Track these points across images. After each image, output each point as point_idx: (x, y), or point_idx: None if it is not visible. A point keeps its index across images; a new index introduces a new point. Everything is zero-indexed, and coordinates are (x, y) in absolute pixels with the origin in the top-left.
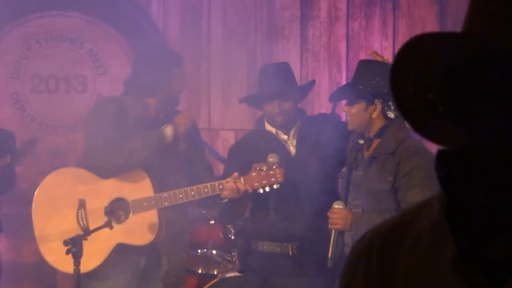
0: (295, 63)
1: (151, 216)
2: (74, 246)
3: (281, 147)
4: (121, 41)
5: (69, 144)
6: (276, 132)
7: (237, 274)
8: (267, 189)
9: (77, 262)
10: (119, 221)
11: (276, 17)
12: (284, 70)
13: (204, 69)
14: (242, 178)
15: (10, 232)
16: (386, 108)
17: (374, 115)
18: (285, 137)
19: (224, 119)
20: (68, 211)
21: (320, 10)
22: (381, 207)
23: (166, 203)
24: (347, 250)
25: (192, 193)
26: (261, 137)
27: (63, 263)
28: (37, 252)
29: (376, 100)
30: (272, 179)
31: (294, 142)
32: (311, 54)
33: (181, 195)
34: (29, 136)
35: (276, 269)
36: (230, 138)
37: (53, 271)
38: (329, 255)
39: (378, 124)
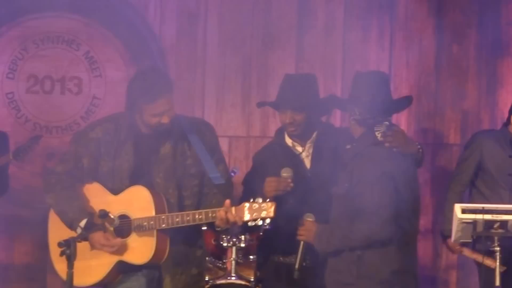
0: (290, 72)
1: (150, 236)
2: (68, 248)
3: (296, 160)
4: (118, 44)
5: (63, 146)
6: (293, 144)
7: (228, 281)
8: (259, 222)
9: (70, 265)
10: (112, 225)
11: (272, 26)
12: (305, 82)
13: (199, 75)
14: (233, 208)
15: (1, 233)
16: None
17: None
18: (301, 149)
19: (218, 126)
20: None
21: (317, 20)
22: None
23: (164, 225)
24: None
25: (188, 218)
26: (279, 149)
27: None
28: (28, 253)
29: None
30: (263, 213)
31: (310, 155)
32: (307, 64)
33: (177, 219)
34: (22, 136)
35: (291, 280)
36: (223, 145)
37: (44, 272)
38: (296, 267)
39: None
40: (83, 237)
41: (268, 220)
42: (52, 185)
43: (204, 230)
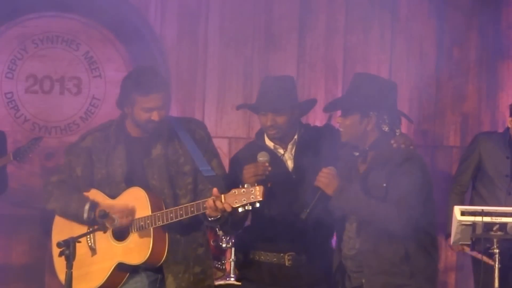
0: (292, 73)
1: (147, 235)
2: (67, 249)
3: (278, 162)
4: (118, 44)
5: (62, 146)
6: (274, 146)
7: (227, 282)
8: (248, 207)
9: (69, 265)
10: (113, 225)
11: (274, 27)
12: (284, 84)
13: (199, 76)
14: (222, 196)
15: (0, 233)
16: (380, 121)
17: (369, 127)
18: (282, 151)
19: (218, 127)
20: (79, 228)
21: (318, 21)
22: None
23: (160, 222)
24: (346, 263)
25: (181, 212)
26: (259, 150)
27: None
28: (26, 253)
29: (371, 112)
30: (252, 197)
31: (292, 156)
32: (308, 65)
33: (171, 214)
34: (21, 136)
35: (273, 279)
36: (223, 146)
37: (42, 272)
38: (307, 209)
39: (372, 136)
40: (91, 219)
41: (257, 204)
42: (50, 192)
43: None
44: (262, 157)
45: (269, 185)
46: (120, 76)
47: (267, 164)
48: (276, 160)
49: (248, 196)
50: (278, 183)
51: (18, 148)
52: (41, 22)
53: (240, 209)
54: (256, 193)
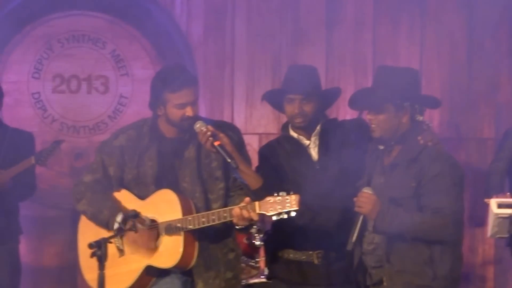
0: (321, 67)
1: (177, 239)
2: (99, 249)
3: (304, 153)
4: (144, 42)
5: (90, 146)
6: (298, 137)
7: (262, 280)
8: (283, 216)
9: (101, 266)
10: (144, 225)
11: (301, 21)
12: (311, 72)
13: (227, 72)
14: (257, 204)
15: (30, 235)
16: (414, 111)
17: (404, 119)
18: (307, 142)
19: (248, 123)
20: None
21: (346, 14)
22: None
23: (190, 226)
24: (366, 258)
25: (213, 217)
26: (286, 142)
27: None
28: (58, 255)
29: (405, 103)
30: (287, 205)
31: (316, 148)
32: (337, 59)
33: (203, 219)
34: (49, 137)
35: (302, 277)
36: (253, 143)
37: (74, 274)
38: (352, 238)
39: (403, 128)
40: (121, 231)
41: (293, 213)
42: (82, 193)
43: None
44: (198, 124)
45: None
46: (147, 74)
47: (203, 128)
48: (301, 150)
49: (283, 205)
50: (302, 174)
51: (40, 151)
52: (67, 21)
53: (274, 218)
54: (292, 202)
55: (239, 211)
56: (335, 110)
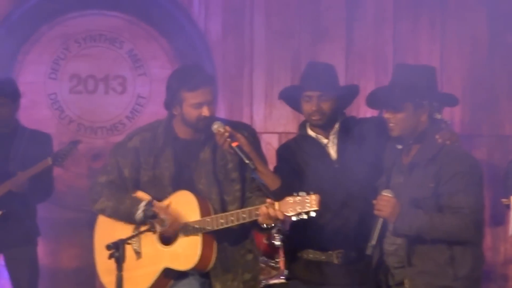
0: (340, 65)
1: (195, 241)
2: (117, 251)
3: (322, 152)
4: (162, 41)
5: (108, 146)
6: (317, 136)
7: (282, 280)
8: (303, 216)
9: (119, 267)
10: (163, 225)
11: (320, 18)
12: (328, 70)
13: (246, 71)
14: (276, 204)
15: (48, 237)
16: (432, 109)
17: (423, 117)
18: (326, 140)
19: (267, 122)
20: (122, 230)
21: (366, 11)
22: None
23: (209, 228)
24: (387, 259)
25: (232, 218)
26: (304, 141)
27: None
28: (76, 257)
29: (424, 101)
30: (307, 206)
31: (335, 146)
32: (357, 57)
33: (222, 220)
34: (67, 137)
35: (321, 277)
36: (273, 142)
37: (93, 276)
38: (372, 242)
39: (421, 127)
40: (146, 217)
41: (312, 213)
42: (99, 193)
43: (255, 230)
44: (216, 125)
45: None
46: (165, 73)
47: (221, 129)
48: (319, 149)
49: (303, 205)
50: (321, 173)
51: (57, 152)
52: (83, 21)
53: (294, 218)
54: (312, 202)
55: (266, 209)
56: (355, 108)
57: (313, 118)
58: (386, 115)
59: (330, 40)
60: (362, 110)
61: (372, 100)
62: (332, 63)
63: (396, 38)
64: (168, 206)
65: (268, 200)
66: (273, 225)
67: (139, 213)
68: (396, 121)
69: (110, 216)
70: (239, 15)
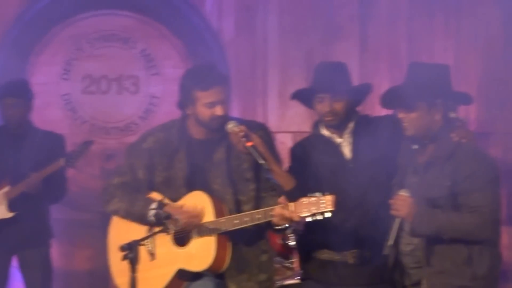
0: (354, 63)
1: (209, 241)
2: (131, 252)
3: (336, 151)
4: (174, 40)
5: (121, 147)
6: (331, 135)
7: (296, 281)
8: (318, 217)
9: (133, 269)
10: (177, 226)
11: (334, 16)
12: (340, 69)
13: (260, 70)
14: (292, 204)
15: (61, 238)
16: (446, 108)
17: (437, 116)
18: (340, 140)
19: (281, 121)
20: (137, 231)
21: (380, 9)
22: None
23: (224, 228)
24: (404, 259)
25: (246, 219)
26: (318, 141)
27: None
28: (90, 258)
29: (438, 100)
30: (322, 206)
31: (349, 146)
32: (371, 54)
33: (236, 221)
34: (80, 138)
35: (336, 277)
36: (287, 141)
37: (106, 279)
38: (389, 242)
39: (436, 126)
40: (158, 218)
41: (328, 214)
42: (112, 194)
43: (270, 231)
44: (231, 124)
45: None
46: (178, 73)
47: (236, 128)
48: (333, 149)
49: (318, 206)
50: (335, 173)
51: (69, 152)
52: (95, 21)
53: (309, 219)
54: (327, 203)
55: (280, 211)
56: (370, 106)
57: (327, 119)
58: (400, 115)
59: (344, 38)
60: (376, 108)
61: (386, 100)
62: (345, 61)
63: (410, 35)
64: (181, 206)
65: (282, 199)
66: (287, 226)
67: (151, 215)
68: (409, 120)
69: (124, 217)
70: (252, 13)
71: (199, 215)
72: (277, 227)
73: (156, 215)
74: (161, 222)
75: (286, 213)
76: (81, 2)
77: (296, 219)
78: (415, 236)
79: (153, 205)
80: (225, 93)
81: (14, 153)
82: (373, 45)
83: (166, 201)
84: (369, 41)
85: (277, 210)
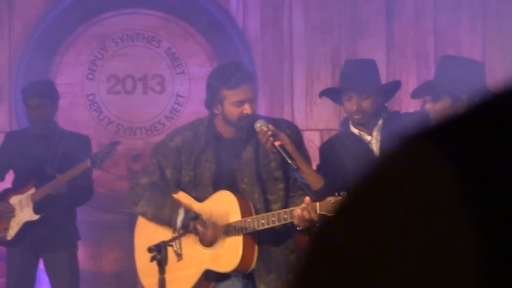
0: (381, 59)
1: (236, 242)
2: (159, 253)
3: (366, 149)
4: (200, 39)
5: (148, 147)
6: (359, 133)
7: None
8: None
9: (162, 270)
10: (205, 227)
11: (360, 12)
12: (367, 67)
13: (286, 68)
14: (317, 204)
15: (88, 240)
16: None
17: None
18: (369, 137)
19: (309, 119)
20: (163, 231)
21: (406, 4)
22: None
23: (251, 228)
24: None
25: (273, 218)
26: (347, 138)
27: None
28: (116, 260)
29: (462, 95)
30: None
31: (378, 143)
32: (398, 51)
33: (263, 221)
34: (106, 139)
35: None
36: (315, 139)
37: (133, 281)
38: None
39: None
40: (186, 226)
41: None
42: (140, 195)
43: (299, 229)
44: (259, 123)
45: None
46: (204, 71)
47: (264, 127)
48: (362, 147)
49: None
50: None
51: (95, 153)
52: (120, 20)
53: None
54: None
55: (300, 212)
56: (397, 103)
57: (355, 117)
58: (426, 105)
59: (370, 35)
60: (404, 104)
61: (416, 90)
62: (372, 58)
63: (437, 30)
64: (205, 208)
65: (307, 200)
66: (308, 226)
67: (180, 220)
68: (434, 112)
69: (151, 220)
70: (277, 10)
71: (223, 217)
72: (299, 228)
73: (183, 221)
74: (188, 226)
75: (306, 214)
76: (105, 2)
77: (316, 220)
78: None
79: (181, 210)
80: (253, 91)
81: (39, 155)
82: (400, 41)
83: (187, 203)
84: (395, 37)
85: (297, 211)
